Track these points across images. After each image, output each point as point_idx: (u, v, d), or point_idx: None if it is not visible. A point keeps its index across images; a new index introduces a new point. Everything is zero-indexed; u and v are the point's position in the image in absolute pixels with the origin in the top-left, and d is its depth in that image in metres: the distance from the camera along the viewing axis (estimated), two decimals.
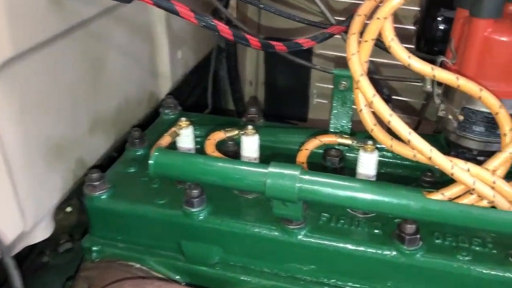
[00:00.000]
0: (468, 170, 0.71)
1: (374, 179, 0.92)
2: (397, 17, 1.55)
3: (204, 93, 1.71)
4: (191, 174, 0.86)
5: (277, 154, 1.10)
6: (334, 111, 1.06)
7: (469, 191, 0.74)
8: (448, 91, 0.86)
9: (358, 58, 0.74)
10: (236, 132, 0.95)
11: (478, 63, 0.78)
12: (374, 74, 1.30)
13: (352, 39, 0.75)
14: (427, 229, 0.89)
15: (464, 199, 0.74)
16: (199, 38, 1.57)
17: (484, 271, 0.83)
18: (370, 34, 0.73)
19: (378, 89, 1.36)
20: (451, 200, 0.75)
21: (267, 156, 1.03)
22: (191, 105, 1.59)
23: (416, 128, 1.33)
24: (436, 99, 0.85)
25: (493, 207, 0.74)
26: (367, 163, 0.90)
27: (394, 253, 0.86)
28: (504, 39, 0.75)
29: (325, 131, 1.05)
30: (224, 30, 0.87)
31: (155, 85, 1.38)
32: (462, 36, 0.80)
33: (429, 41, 1.08)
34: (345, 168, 1.04)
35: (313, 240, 0.90)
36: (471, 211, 0.73)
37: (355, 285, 0.92)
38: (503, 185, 0.71)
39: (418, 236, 0.85)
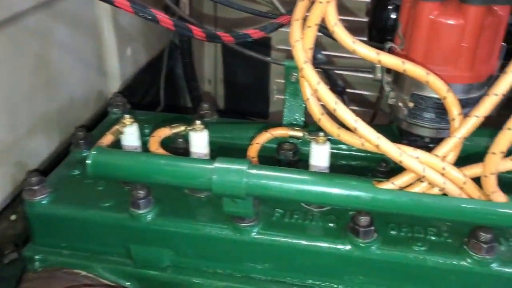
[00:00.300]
0: (417, 157, 0.69)
1: (327, 171, 0.89)
2: (350, 9, 1.55)
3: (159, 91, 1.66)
4: (131, 173, 0.81)
5: (230, 150, 1.06)
6: (287, 104, 1.03)
7: (420, 179, 0.71)
8: (397, 78, 0.84)
9: (302, 44, 0.71)
10: (182, 128, 0.90)
11: (425, 48, 0.76)
12: (327, 65, 1.28)
13: (295, 25, 0.71)
14: (382, 221, 0.87)
15: (415, 187, 0.72)
16: (150, 34, 1.51)
17: (440, 261, 0.81)
18: (313, 20, 0.70)
19: (332, 81, 1.36)
20: (401, 189, 0.72)
21: (219, 153, 0.99)
22: (148, 104, 1.53)
23: (372, 120, 1.32)
24: (386, 86, 0.83)
25: (445, 194, 0.72)
26: (319, 155, 0.87)
27: (349, 246, 0.84)
28: (450, 22, 0.73)
29: (279, 125, 1.02)
30: (165, 20, 0.82)
31: (104, 83, 1.32)
32: (409, 20, 0.78)
33: (381, 31, 1.06)
34: (300, 161, 1.01)
35: (266, 238, 0.87)
36: (421, 200, 0.71)
37: (312, 282, 0.89)
38: (453, 171, 0.69)
39: (373, 228, 0.83)
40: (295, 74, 1.04)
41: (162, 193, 0.92)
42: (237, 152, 0.96)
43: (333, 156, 1.00)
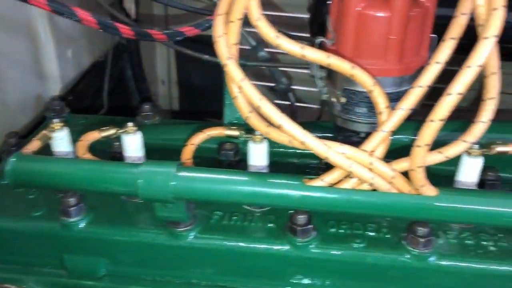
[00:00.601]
0: (344, 153, 0.67)
1: (266, 170, 0.87)
2: (293, 6, 1.53)
3: (111, 93, 1.61)
4: (52, 180, 0.77)
5: (172, 152, 1.02)
6: (227, 103, 1.00)
7: (349, 175, 0.70)
8: (330, 73, 0.82)
9: (225, 40, 0.68)
10: (113, 131, 0.86)
11: (354, 41, 0.74)
12: (271, 62, 1.27)
13: (218, 20, 0.69)
14: (322, 218, 0.86)
15: (345, 183, 0.70)
16: (94, 35, 1.46)
17: (379, 257, 0.80)
18: (236, 14, 0.68)
19: (276, 79, 1.34)
20: (332, 185, 0.70)
21: (161, 156, 0.96)
22: (93, 108, 1.47)
23: (319, 117, 1.31)
24: (319, 82, 0.81)
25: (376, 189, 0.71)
26: (257, 154, 0.85)
27: (287, 247, 0.82)
28: (377, 14, 0.72)
29: (219, 124, 0.99)
30: (87, 18, 0.79)
31: (42, 87, 1.26)
32: (338, 13, 0.77)
33: (321, 26, 1.04)
34: (241, 161, 0.99)
35: (203, 242, 0.84)
36: (350, 196, 0.70)
37: (253, 285, 0.86)
38: (380, 166, 0.68)
39: (311, 226, 0.81)
40: None
41: (97, 199, 0.88)
42: (178, 154, 0.93)
43: (280, 154, 0.99)
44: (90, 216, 0.86)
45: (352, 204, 0.70)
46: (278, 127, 0.67)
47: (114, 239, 0.85)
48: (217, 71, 2.00)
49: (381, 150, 0.70)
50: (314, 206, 0.72)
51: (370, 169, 0.68)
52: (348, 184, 0.70)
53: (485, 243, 0.82)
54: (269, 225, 0.86)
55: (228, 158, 0.97)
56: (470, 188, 0.84)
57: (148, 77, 1.88)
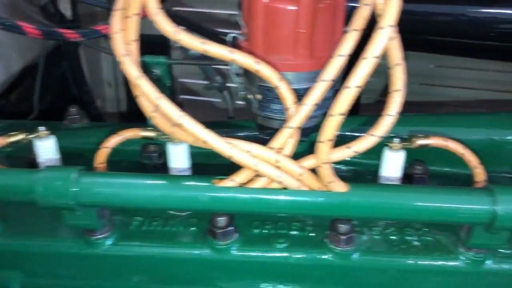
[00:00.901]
0: (250, 151, 0.65)
1: (187, 172, 0.84)
2: (230, 4, 1.50)
3: (54, 97, 1.55)
4: None
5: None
6: None
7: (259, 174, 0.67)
8: (246, 69, 0.80)
9: (122, 36, 0.65)
10: (22, 136, 0.82)
11: (264, 36, 0.72)
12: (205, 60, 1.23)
13: (115, 16, 0.65)
14: (247, 219, 0.83)
15: (255, 182, 0.68)
16: (24, 38, 1.39)
17: (300, 257, 0.78)
18: (132, 9, 0.64)
19: (210, 77, 1.31)
20: (242, 185, 0.68)
21: (83, 161, 0.91)
22: (24, 112, 1.41)
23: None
24: (235, 79, 0.79)
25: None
26: (176, 156, 0.82)
27: (207, 250, 0.79)
28: (284, 6, 0.69)
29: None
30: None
31: None
32: (247, 7, 0.74)
33: None
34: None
35: (121, 249, 0.80)
36: (259, 195, 0.67)
37: None
38: (287, 163, 0.65)
39: (232, 228, 0.79)
40: (155, 70, 0.98)
41: (10, 209, 0.84)
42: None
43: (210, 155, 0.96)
44: (0, 227, 0.81)
45: (261, 203, 0.68)
46: (178, 126, 0.64)
47: (27, 250, 0.81)
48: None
49: (290, 147, 0.67)
50: (224, 207, 0.70)
51: (278, 167, 0.65)
52: (258, 183, 0.68)
53: (409, 238, 0.81)
54: (191, 229, 0.82)
55: (152, 160, 0.93)
56: (393, 183, 0.83)
57: (94, 80, 1.82)
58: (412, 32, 1.32)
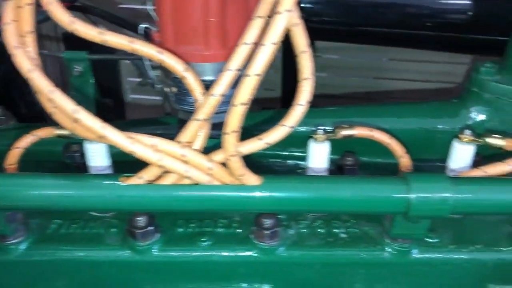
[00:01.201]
0: (154, 145, 0.62)
1: (108, 171, 0.80)
2: None
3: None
4: None
5: None
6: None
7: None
8: None
9: (15, 28, 0.61)
10: None
11: (173, 26, 0.69)
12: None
13: (8, 6, 0.61)
14: (171, 218, 0.80)
15: (166, 179, 0.65)
16: None
17: (224, 254, 0.76)
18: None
19: (143, 73, 1.27)
20: (150, 182, 0.65)
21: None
22: None
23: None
24: (151, 73, 0.76)
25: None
26: (93, 154, 0.78)
27: (128, 252, 0.76)
28: None
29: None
30: None
31: None
32: None
33: None
34: None
35: (36, 254, 0.76)
36: (169, 192, 0.64)
37: None
38: (195, 157, 0.62)
39: (152, 228, 0.75)
40: (77, 67, 0.94)
41: None
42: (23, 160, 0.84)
43: None
44: None
45: (170, 200, 0.65)
46: (74, 121, 0.60)
47: None
48: (112, 70, 1.91)
49: (200, 141, 0.65)
50: (131, 206, 0.67)
51: (185, 162, 0.63)
52: (168, 180, 0.65)
53: (336, 230, 0.80)
54: (112, 230, 0.79)
55: (74, 160, 0.89)
56: (320, 174, 0.81)
57: None
58: (358, 25, 1.32)
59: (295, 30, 0.59)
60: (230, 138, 0.60)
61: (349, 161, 0.90)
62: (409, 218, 0.67)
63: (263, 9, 0.60)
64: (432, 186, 0.63)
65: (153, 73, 0.76)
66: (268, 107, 1.29)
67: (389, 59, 1.96)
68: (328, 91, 1.89)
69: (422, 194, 0.63)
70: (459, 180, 0.66)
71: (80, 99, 0.93)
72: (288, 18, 0.56)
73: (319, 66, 2.01)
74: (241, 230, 0.79)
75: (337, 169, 0.92)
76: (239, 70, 0.62)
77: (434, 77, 1.92)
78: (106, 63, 1.80)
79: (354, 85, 1.93)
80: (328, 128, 0.81)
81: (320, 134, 0.79)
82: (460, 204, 0.63)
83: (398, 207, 0.65)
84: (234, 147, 0.61)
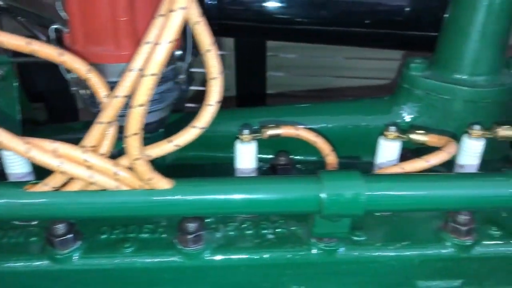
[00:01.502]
0: (56, 150, 0.59)
1: (29, 178, 0.78)
2: None
3: None
4: None
5: None
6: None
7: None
8: None
9: None
10: None
11: (82, 25, 0.67)
12: None
13: None
14: (95, 225, 0.78)
15: (74, 185, 0.62)
16: None
17: (148, 260, 0.74)
18: None
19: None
20: (57, 189, 0.63)
21: None
22: None
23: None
24: (67, 75, 0.73)
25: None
26: (9, 161, 0.75)
27: (46, 261, 0.73)
28: None
29: None
30: None
31: None
32: None
33: None
34: None
35: None
36: (75, 199, 0.62)
37: None
38: (98, 162, 0.60)
39: (72, 235, 0.73)
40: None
41: None
42: None
43: None
44: None
45: (78, 208, 0.63)
46: None
47: None
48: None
49: (107, 145, 0.63)
50: (37, 214, 0.64)
51: (89, 167, 0.61)
52: (75, 186, 0.62)
53: (264, 231, 0.78)
54: (32, 239, 0.76)
55: None
56: (248, 174, 0.80)
57: None
58: (302, 23, 1.31)
59: (197, 28, 0.58)
60: (132, 141, 0.58)
61: (282, 161, 0.89)
62: (324, 217, 0.66)
63: (164, 8, 0.59)
64: (344, 184, 0.63)
65: (69, 76, 0.73)
66: (223, 106, 1.28)
67: (345, 58, 1.96)
68: (284, 89, 1.88)
69: (334, 192, 0.62)
70: (372, 177, 0.65)
71: (4, 104, 0.90)
72: (183, 16, 0.54)
73: (275, 66, 2.01)
74: (166, 235, 0.77)
75: (270, 169, 0.91)
76: (141, 70, 0.60)
77: (392, 75, 1.93)
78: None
79: (310, 84, 1.93)
80: (255, 128, 0.80)
81: (246, 134, 0.78)
82: (373, 202, 0.63)
83: (311, 206, 0.64)
84: (137, 150, 0.59)
